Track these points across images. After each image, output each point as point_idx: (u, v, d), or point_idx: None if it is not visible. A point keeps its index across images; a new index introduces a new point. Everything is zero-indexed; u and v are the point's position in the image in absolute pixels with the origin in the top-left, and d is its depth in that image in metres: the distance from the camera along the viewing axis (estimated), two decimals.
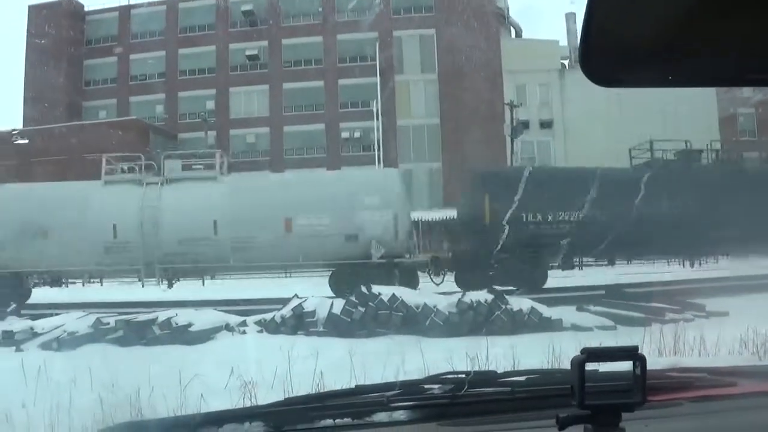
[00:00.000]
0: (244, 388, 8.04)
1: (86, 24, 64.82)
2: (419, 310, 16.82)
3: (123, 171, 27.67)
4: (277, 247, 24.87)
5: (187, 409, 6.79)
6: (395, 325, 16.50)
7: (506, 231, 25.89)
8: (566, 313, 17.86)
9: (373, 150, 54.65)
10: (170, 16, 63.41)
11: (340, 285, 24.18)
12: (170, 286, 25.84)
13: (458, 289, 22.61)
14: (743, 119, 60.46)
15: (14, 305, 21.45)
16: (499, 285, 23.73)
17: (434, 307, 16.87)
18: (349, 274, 24.22)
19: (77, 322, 16.62)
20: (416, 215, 32.43)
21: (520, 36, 67.69)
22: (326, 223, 24.88)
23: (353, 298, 17.11)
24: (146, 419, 4.13)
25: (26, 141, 52.76)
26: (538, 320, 16.78)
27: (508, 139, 50.69)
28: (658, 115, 49.07)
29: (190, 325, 16.16)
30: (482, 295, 17.40)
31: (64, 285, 27.21)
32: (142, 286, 26.11)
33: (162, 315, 16.64)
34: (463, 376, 2.55)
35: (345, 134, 59.58)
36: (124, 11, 64.40)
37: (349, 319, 16.64)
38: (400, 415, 2.41)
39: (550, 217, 26.39)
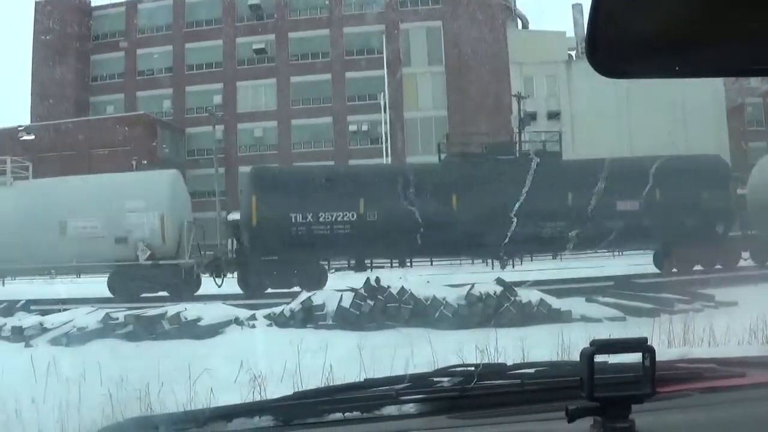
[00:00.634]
0: (253, 382, 8.06)
1: (93, 19, 64.85)
2: (428, 302, 16.85)
3: None
4: (53, 249, 25.44)
5: (196, 404, 6.81)
6: (404, 318, 16.53)
7: (275, 231, 24.95)
8: (575, 305, 17.87)
9: (381, 143, 54.58)
10: (177, 10, 63.38)
11: (117, 286, 25.28)
12: None
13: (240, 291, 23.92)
14: (751, 109, 60.35)
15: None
16: (278, 287, 24.10)
17: (443, 299, 16.91)
18: (125, 276, 25.17)
19: (86, 318, 16.67)
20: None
21: (527, 27, 67.60)
22: (97, 226, 25.57)
23: (362, 291, 17.13)
24: (156, 414, 4.14)
25: (33, 137, 52.79)
26: (547, 312, 16.79)
27: (516, 131, 50.63)
28: (666, 106, 49.12)
29: (199, 319, 16.21)
30: (491, 287, 17.42)
31: None
32: None
33: (171, 309, 16.70)
34: (473, 368, 2.54)
35: (353, 127, 59.61)
36: (131, 6, 64.40)
37: (358, 312, 16.68)
38: (409, 408, 2.40)
39: (321, 217, 25.40)
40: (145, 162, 49.08)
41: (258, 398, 6.60)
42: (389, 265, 29.36)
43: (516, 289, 17.56)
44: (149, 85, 62.60)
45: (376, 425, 2.34)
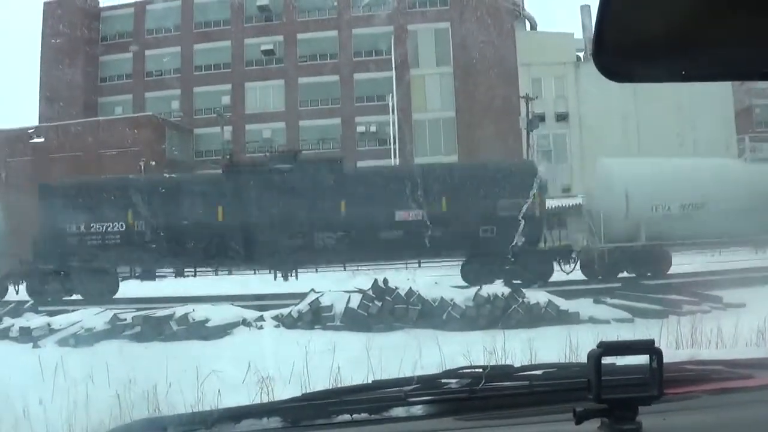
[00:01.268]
0: (261, 383, 8.08)
1: (101, 21, 64.85)
2: (436, 304, 16.87)
3: None
4: None
5: (204, 405, 6.82)
6: (412, 319, 16.54)
7: (54, 242, 24.89)
8: (583, 306, 17.86)
9: (389, 144, 54.52)
10: (185, 11, 63.35)
11: None
12: None
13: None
14: (759, 110, 60.12)
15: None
16: (60, 296, 24.12)
17: (451, 300, 16.92)
18: None
19: (94, 318, 16.72)
20: None
21: (535, 29, 67.39)
22: None
23: (370, 292, 17.14)
24: (163, 415, 4.15)
25: (42, 139, 52.90)
26: (555, 313, 16.80)
27: (524, 132, 50.54)
28: (674, 107, 48.99)
29: (207, 320, 16.24)
30: (499, 289, 17.45)
31: None
32: None
33: (179, 310, 16.72)
34: (481, 370, 2.56)
35: (361, 128, 59.50)
36: (139, 7, 64.39)
37: (366, 314, 16.69)
38: (417, 409, 2.41)
39: (93, 228, 25.29)
40: (154, 163, 49.16)
41: (266, 399, 6.60)
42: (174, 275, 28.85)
43: (524, 290, 17.58)
44: (158, 86, 62.55)
45: (385, 426, 2.35)
